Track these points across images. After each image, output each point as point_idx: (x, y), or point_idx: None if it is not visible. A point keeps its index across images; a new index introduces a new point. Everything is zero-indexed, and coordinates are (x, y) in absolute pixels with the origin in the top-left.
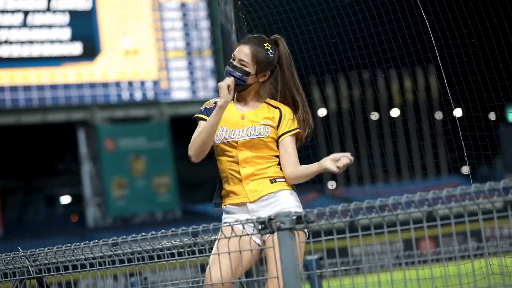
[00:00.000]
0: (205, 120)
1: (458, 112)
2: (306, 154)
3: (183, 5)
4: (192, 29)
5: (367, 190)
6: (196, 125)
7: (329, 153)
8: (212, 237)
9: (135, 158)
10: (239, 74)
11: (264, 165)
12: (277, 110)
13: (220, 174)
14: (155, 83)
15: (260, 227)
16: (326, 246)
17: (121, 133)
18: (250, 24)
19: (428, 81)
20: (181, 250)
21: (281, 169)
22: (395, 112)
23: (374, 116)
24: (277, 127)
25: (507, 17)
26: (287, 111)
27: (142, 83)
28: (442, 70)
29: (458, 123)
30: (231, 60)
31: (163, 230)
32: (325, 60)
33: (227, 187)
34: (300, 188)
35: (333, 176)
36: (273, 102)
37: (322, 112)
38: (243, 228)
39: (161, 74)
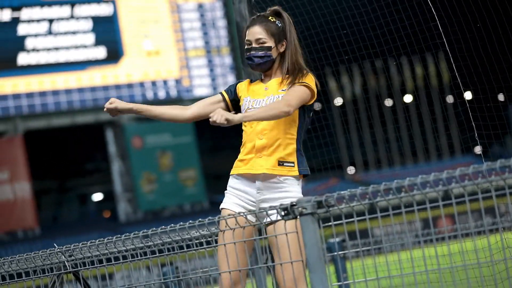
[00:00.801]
0: (222, 95)
1: (468, 95)
2: (324, 142)
3: (200, 6)
4: (210, 29)
5: (384, 173)
6: None
7: (346, 140)
8: (238, 226)
9: (162, 153)
10: (262, 52)
11: (280, 142)
12: (291, 76)
13: (242, 143)
14: (177, 81)
15: (283, 213)
16: (347, 228)
17: (147, 130)
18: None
19: (438, 67)
20: (209, 239)
21: (298, 152)
22: (408, 98)
23: (388, 102)
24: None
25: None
26: (300, 74)
27: (165, 82)
28: (450, 55)
29: (468, 105)
30: (247, 47)
31: (190, 221)
32: (338, 51)
33: (241, 156)
34: (321, 174)
35: (351, 162)
36: (299, 72)
37: (338, 101)
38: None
39: (183, 72)
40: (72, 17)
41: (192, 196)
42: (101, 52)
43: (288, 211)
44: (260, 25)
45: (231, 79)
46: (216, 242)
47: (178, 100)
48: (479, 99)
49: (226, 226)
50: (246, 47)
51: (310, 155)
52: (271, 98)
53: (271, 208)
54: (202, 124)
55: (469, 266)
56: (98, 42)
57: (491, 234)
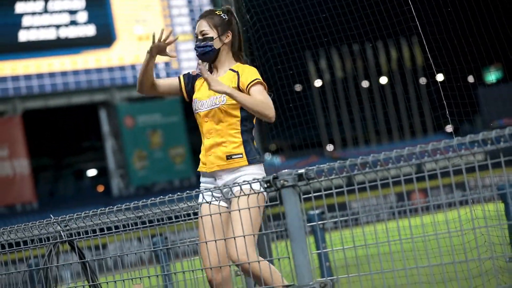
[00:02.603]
0: (179, 78)
1: (440, 76)
2: (305, 120)
3: None
4: (197, 15)
5: (361, 151)
6: None
7: (325, 119)
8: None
9: (152, 132)
10: (204, 42)
11: (225, 138)
12: (235, 73)
13: None
14: (167, 64)
15: (266, 185)
16: (326, 201)
17: (139, 110)
18: (248, 5)
19: (412, 50)
20: (196, 211)
21: (244, 143)
22: (383, 80)
23: (365, 83)
24: (238, 86)
25: None
26: (243, 68)
27: (155, 65)
28: (423, 38)
29: (440, 85)
30: (196, 38)
31: (178, 193)
32: (318, 34)
33: (200, 154)
34: (301, 152)
35: (330, 140)
36: (234, 66)
37: (317, 83)
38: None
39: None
40: (72, 23)
41: (180, 172)
42: (94, 36)
43: (271, 184)
44: (205, 19)
45: None
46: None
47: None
48: (450, 80)
49: (203, 220)
50: (195, 41)
51: (291, 132)
52: (211, 99)
53: (234, 185)
54: (190, 104)
55: (440, 236)
56: (91, 27)
57: (461, 206)
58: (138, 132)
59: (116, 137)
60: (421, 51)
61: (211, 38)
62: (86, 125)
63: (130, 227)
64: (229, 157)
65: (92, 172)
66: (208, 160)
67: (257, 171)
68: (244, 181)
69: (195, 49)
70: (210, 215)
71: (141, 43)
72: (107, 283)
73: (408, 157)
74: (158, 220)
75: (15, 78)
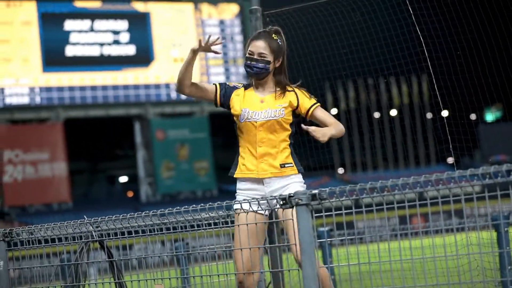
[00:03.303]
0: (215, 86)
1: (445, 113)
2: (320, 145)
3: (221, 22)
4: (228, 42)
5: (370, 175)
6: None
7: (339, 145)
8: (242, 211)
9: (181, 146)
10: (262, 64)
11: (278, 148)
12: (293, 93)
13: (239, 149)
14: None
15: (281, 202)
16: (335, 220)
17: (170, 125)
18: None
19: (421, 87)
20: (216, 221)
21: (292, 154)
22: (393, 112)
23: (377, 114)
24: (297, 106)
25: (486, 34)
26: (300, 91)
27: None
28: (433, 77)
29: (445, 121)
30: (249, 56)
31: (202, 204)
32: (337, 67)
33: (242, 161)
34: (314, 173)
35: (342, 163)
36: (287, 87)
37: (333, 111)
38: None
39: (203, 78)
40: (115, 42)
41: (204, 184)
42: (135, 56)
43: (286, 201)
44: (264, 41)
45: None
46: (223, 224)
47: (197, 101)
48: (454, 116)
49: (239, 224)
50: (247, 55)
51: (307, 155)
52: (268, 111)
53: (272, 198)
54: (216, 123)
55: (438, 259)
56: (132, 47)
57: (458, 232)
58: (168, 145)
59: (147, 148)
60: (430, 89)
61: (268, 62)
62: (120, 135)
63: (155, 232)
64: (282, 165)
65: (123, 179)
66: (259, 167)
67: (302, 180)
68: (280, 195)
69: (251, 67)
70: (249, 223)
71: (176, 65)
72: (131, 281)
73: (413, 185)
74: (181, 227)
75: (60, 89)
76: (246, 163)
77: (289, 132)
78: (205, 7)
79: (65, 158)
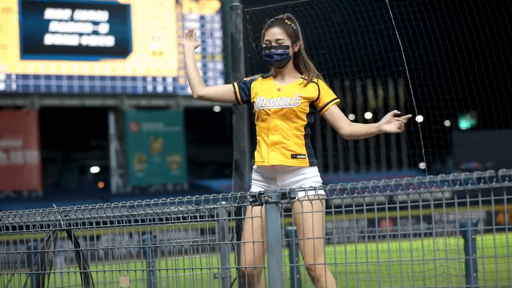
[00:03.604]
0: (233, 85)
1: (419, 118)
2: None
3: (202, 17)
4: (208, 37)
5: (341, 177)
6: None
7: (312, 145)
8: (211, 206)
9: (154, 139)
10: (281, 50)
11: (290, 137)
12: (315, 84)
13: (257, 137)
14: (174, 79)
15: (251, 199)
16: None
17: (144, 118)
18: (255, 34)
19: (397, 91)
20: (185, 215)
21: (306, 145)
22: (368, 115)
23: (351, 116)
24: (317, 98)
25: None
26: (322, 83)
27: (164, 78)
28: (409, 82)
29: (419, 127)
30: (266, 45)
31: (171, 198)
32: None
33: (258, 149)
34: None
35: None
36: (306, 76)
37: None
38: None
39: (180, 72)
40: (94, 32)
41: (175, 178)
42: (113, 47)
43: (256, 199)
44: (279, 27)
45: (220, 82)
46: (192, 218)
47: (173, 95)
48: (429, 122)
49: (251, 214)
50: (264, 46)
51: None
52: (284, 99)
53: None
54: (191, 118)
55: (404, 263)
56: (111, 38)
57: (425, 237)
58: (141, 137)
59: (121, 140)
60: (406, 93)
61: (287, 47)
62: (95, 125)
63: (123, 223)
64: (294, 156)
65: (95, 169)
66: (270, 155)
67: (317, 174)
68: (310, 187)
69: (270, 55)
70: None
71: (155, 58)
72: (97, 272)
73: (383, 188)
74: (149, 220)
75: (37, 77)
76: (261, 152)
77: (305, 123)
78: (186, 2)
79: (38, 146)
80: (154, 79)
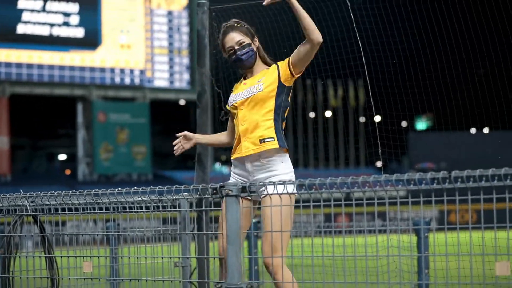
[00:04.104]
0: (230, 116)
1: (377, 118)
2: None
3: (169, 13)
4: (175, 33)
5: (300, 172)
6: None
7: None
8: (174, 197)
9: (120, 129)
10: (246, 49)
11: (259, 124)
12: (274, 65)
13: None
14: (142, 72)
15: (212, 191)
16: (257, 212)
17: (111, 109)
18: (221, 31)
19: (357, 91)
20: (148, 204)
21: (276, 129)
22: (328, 113)
23: (312, 114)
24: (278, 72)
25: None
26: (280, 62)
27: (131, 71)
28: (368, 83)
29: (376, 126)
30: (231, 52)
31: (135, 187)
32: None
33: (235, 144)
34: None
35: None
36: (271, 64)
37: None
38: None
39: (147, 65)
40: (64, 23)
41: (140, 168)
42: (82, 39)
43: (216, 191)
44: (233, 31)
45: (186, 76)
46: (155, 208)
47: (139, 87)
48: (386, 122)
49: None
50: (229, 53)
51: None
52: (248, 90)
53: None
54: (156, 110)
55: (358, 258)
56: (81, 29)
57: (380, 234)
58: (108, 127)
59: (88, 129)
60: (365, 94)
61: (249, 44)
62: (63, 114)
63: (88, 211)
64: (262, 140)
65: (62, 157)
66: (243, 145)
67: (288, 172)
68: (279, 181)
69: (239, 58)
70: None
71: (123, 51)
72: (61, 257)
73: (340, 185)
74: (113, 208)
75: (8, 65)
76: (236, 145)
77: (272, 107)
78: None
79: (7, 133)
80: (122, 71)
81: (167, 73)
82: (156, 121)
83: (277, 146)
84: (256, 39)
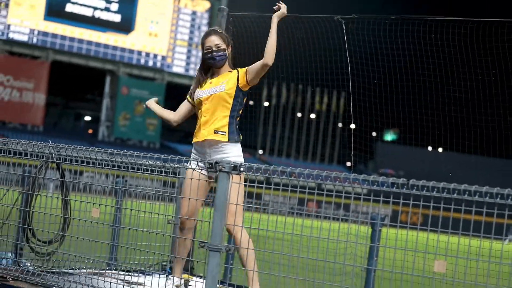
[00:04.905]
0: (188, 100)
1: (353, 126)
2: (250, 127)
3: (193, 13)
4: (195, 30)
5: (282, 160)
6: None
7: (263, 131)
8: (175, 165)
9: (139, 103)
10: (221, 52)
11: (217, 117)
12: (235, 71)
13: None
14: (163, 57)
15: (208, 166)
16: (248, 189)
17: (134, 85)
18: (235, 34)
19: (339, 100)
20: (153, 168)
21: (230, 124)
22: (313, 115)
23: (299, 114)
24: (238, 76)
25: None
26: (240, 69)
27: (155, 55)
28: (350, 95)
29: (352, 133)
30: (207, 50)
31: (144, 153)
32: (277, 69)
33: (196, 129)
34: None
35: (263, 146)
36: (232, 70)
37: (265, 104)
38: (198, 167)
39: (169, 53)
40: (105, 8)
41: (150, 137)
42: (118, 23)
43: (212, 166)
44: (215, 35)
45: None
46: (157, 172)
47: (160, 70)
48: (360, 130)
49: (191, 178)
50: (206, 51)
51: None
52: (213, 88)
53: (209, 161)
54: (171, 90)
55: (321, 239)
56: (118, 15)
57: (342, 222)
58: (129, 99)
59: (112, 98)
60: (346, 104)
61: (224, 49)
62: (93, 83)
63: (103, 166)
64: (216, 131)
65: (87, 118)
66: (201, 133)
67: (239, 154)
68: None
69: (213, 58)
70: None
71: (150, 38)
72: (75, 201)
73: (315, 177)
74: (124, 167)
75: (54, 36)
76: (196, 132)
77: (230, 105)
78: None
79: (45, 91)
80: (147, 54)
81: (184, 62)
82: (170, 100)
83: (226, 139)
84: (230, 47)
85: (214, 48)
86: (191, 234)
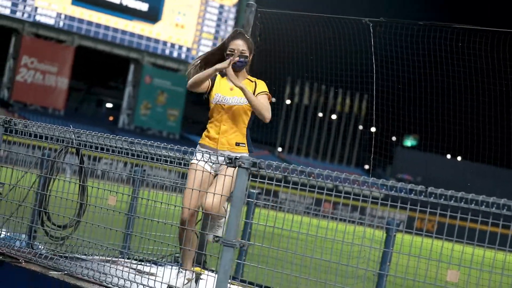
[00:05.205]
0: (209, 81)
1: (373, 129)
2: (270, 124)
3: (221, 6)
4: (222, 24)
5: (301, 159)
6: None
7: (284, 129)
8: (192, 157)
9: (161, 93)
10: (243, 59)
11: (237, 129)
12: (253, 83)
13: (208, 123)
14: (188, 49)
15: (228, 161)
16: (266, 187)
17: (157, 74)
18: (261, 30)
19: (361, 103)
20: (172, 160)
21: (247, 136)
22: (334, 116)
23: (320, 114)
24: (254, 92)
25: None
26: (259, 82)
27: (180, 47)
28: (374, 99)
29: (373, 136)
30: (230, 53)
31: (164, 143)
32: (301, 68)
33: (208, 132)
34: (257, 146)
35: (282, 144)
36: (250, 77)
37: (287, 102)
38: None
39: (194, 45)
40: None
41: (170, 127)
42: (145, 13)
43: (232, 161)
44: (242, 40)
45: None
46: (176, 163)
47: (185, 61)
48: (381, 134)
49: (195, 173)
50: (229, 53)
51: (258, 129)
52: (235, 98)
53: (222, 155)
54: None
55: (336, 241)
56: (146, 4)
57: (358, 225)
58: (151, 89)
59: (134, 87)
60: (368, 107)
61: (247, 57)
62: (117, 70)
63: (122, 154)
64: (237, 144)
65: (109, 105)
66: (220, 141)
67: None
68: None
69: (234, 62)
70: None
71: (177, 29)
72: (92, 187)
73: (334, 178)
74: (143, 156)
75: (81, 21)
76: (210, 135)
77: (249, 118)
78: None
79: (68, 76)
80: (172, 45)
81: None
82: (192, 92)
83: (246, 151)
84: (252, 55)
85: (237, 53)
86: (194, 227)
